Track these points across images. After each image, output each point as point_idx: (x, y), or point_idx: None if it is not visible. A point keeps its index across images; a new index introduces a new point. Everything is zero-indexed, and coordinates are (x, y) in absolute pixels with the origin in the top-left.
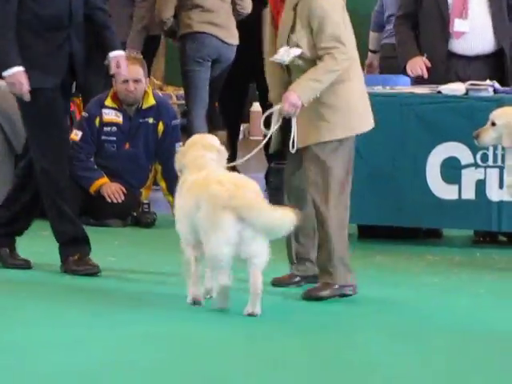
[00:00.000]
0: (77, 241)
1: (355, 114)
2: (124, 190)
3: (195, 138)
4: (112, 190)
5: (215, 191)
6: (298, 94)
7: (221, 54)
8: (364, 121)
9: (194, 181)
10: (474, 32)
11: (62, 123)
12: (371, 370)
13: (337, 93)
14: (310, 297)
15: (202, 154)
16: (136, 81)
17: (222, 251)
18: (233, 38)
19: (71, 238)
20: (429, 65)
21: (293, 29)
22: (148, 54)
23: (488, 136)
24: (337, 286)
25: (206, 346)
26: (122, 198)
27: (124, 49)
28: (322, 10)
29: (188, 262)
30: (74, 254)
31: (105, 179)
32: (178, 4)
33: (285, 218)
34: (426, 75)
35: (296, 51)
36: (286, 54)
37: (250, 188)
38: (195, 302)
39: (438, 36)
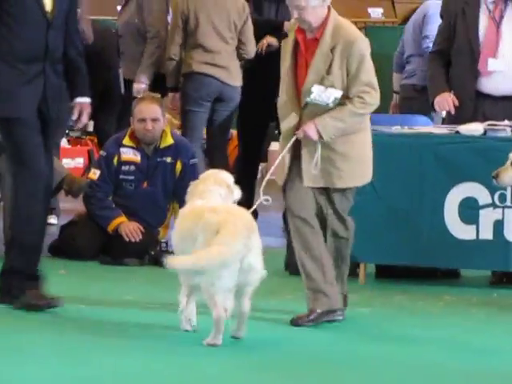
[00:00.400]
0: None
1: (368, 164)
2: (142, 228)
3: (209, 172)
4: (130, 229)
5: (209, 219)
6: (319, 129)
7: (222, 94)
8: (370, 171)
9: (190, 209)
10: (502, 72)
11: (36, 156)
12: None
13: (352, 142)
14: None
15: (210, 189)
16: (154, 120)
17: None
18: (234, 79)
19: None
20: (456, 102)
21: (329, 70)
22: (156, 91)
23: (507, 176)
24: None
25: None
26: (140, 236)
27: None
28: (362, 54)
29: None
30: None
31: (123, 218)
32: (183, 43)
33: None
34: (452, 111)
35: (337, 93)
36: (325, 96)
37: (241, 217)
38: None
39: (468, 74)
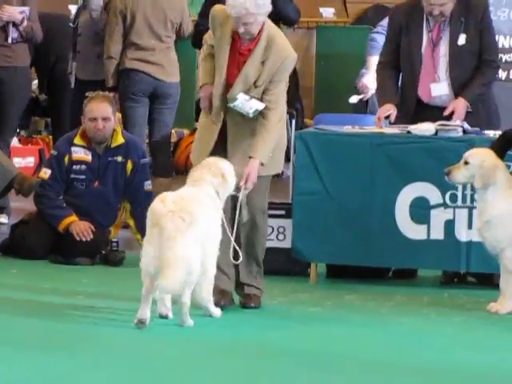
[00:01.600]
0: None
1: (284, 150)
2: (93, 228)
3: (209, 160)
4: (81, 228)
5: (155, 206)
6: (262, 162)
7: (156, 90)
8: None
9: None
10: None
11: None
12: None
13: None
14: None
15: (203, 177)
16: (105, 119)
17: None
18: (168, 75)
19: None
20: (392, 117)
21: (257, 82)
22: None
23: (460, 174)
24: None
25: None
26: (91, 236)
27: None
28: (287, 71)
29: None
30: None
31: (73, 217)
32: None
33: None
34: (391, 121)
35: (260, 105)
36: (248, 106)
37: (184, 208)
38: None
39: (409, 90)
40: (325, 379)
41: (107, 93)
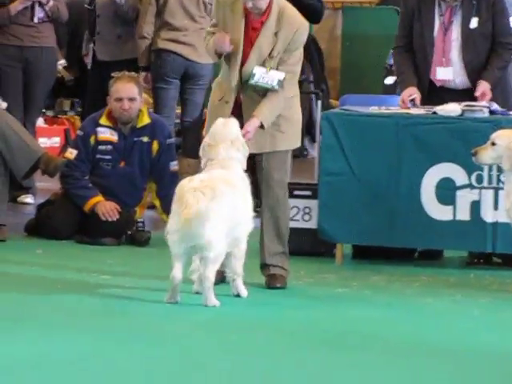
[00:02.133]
0: None
1: (300, 126)
2: (118, 208)
3: (222, 130)
4: (107, 209)
5: (182, 183)
6: (263, 123)
7: (188, 71)
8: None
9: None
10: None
11: None
12: None
13: (291, 105)
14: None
15: (230, 156)
16: (131, 99)
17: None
18: (200, 56)
19: None
20: (419, 98)
21: (272, 53)
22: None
23: (486, 155)
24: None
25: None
26: (117, 216)
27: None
28: (301, 42)
29: None
30: None
31: (99, 197)
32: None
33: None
34: (418, 104)
35: (280, 75)
36: (269, 78)
37: (221, 180)
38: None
39: (423, 75)
40: (350, 359)
41: (133, 73)
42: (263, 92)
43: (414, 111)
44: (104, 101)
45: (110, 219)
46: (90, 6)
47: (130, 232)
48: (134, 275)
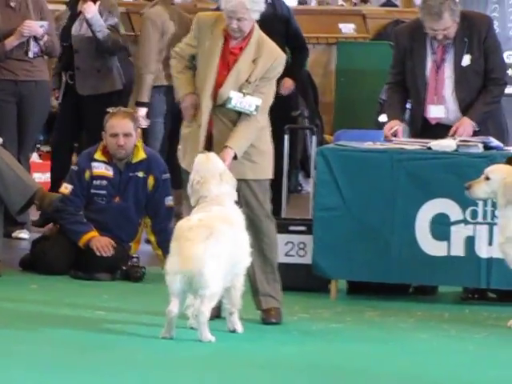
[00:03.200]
0: None
1: (272, 159)
2: (113, 243)
3: (207, 165)
4: (101, 244)
5: (180, 222)
6: (236, 153)
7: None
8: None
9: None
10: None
11: None
12: None
13: (260, 136)
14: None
15: (222, 191)
16: (126, 135)
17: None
18: None
19: None
20: (401, 130)
21: (249, 79)
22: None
23: (480, 189)
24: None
25: None
26: (112, 251)
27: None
28: (278, 72)
29: None
30: None
31: (94, 233)
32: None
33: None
34: (398, 136)
35: (257, 101)
36: (246, 103)
37: (219, 218)
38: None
39: (416, 111)
40: None
41: (129, 108)
42: (234, 117)
43: (409, 146)
44: (77, 134)
45: (104, 255)
46: (65, 43)
47: (124, 267)
48: (128, 311)
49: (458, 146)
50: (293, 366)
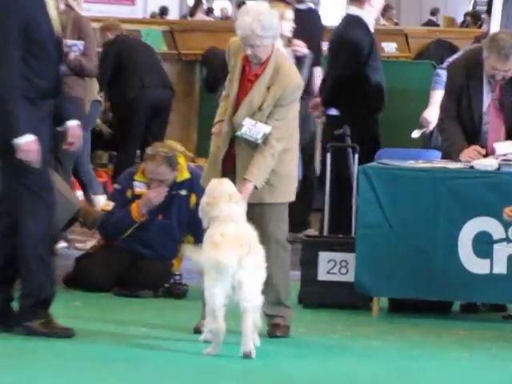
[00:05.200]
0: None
1: (294, 182)
2: (165, 188)
3: (218, 187)
4: (151, 195)
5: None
6: (256, 185)
7: None
8: (295, 189)
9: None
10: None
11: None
12: None
13: (282, 160)
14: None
15: (231, 209)
16: (161, 181)
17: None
18: None
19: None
20: (482, 151)
21: (261, 106)
22: None
23: None
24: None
25: None
26: (166, 191)
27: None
28: (293, 98)
29: None
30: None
31: (135, 203)
32: None
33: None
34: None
35: (266, 129)
36: (255, 131)
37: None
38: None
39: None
40: None
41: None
42: (253, 143)
43: (451, 165)
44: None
45: (162, 199)
46: None
47: (167, 285)
48: (171, 328)
49: (500, 165)
50: (334, 383)
